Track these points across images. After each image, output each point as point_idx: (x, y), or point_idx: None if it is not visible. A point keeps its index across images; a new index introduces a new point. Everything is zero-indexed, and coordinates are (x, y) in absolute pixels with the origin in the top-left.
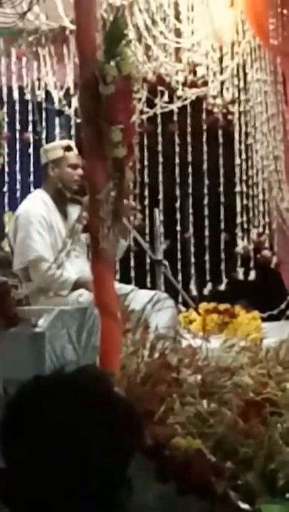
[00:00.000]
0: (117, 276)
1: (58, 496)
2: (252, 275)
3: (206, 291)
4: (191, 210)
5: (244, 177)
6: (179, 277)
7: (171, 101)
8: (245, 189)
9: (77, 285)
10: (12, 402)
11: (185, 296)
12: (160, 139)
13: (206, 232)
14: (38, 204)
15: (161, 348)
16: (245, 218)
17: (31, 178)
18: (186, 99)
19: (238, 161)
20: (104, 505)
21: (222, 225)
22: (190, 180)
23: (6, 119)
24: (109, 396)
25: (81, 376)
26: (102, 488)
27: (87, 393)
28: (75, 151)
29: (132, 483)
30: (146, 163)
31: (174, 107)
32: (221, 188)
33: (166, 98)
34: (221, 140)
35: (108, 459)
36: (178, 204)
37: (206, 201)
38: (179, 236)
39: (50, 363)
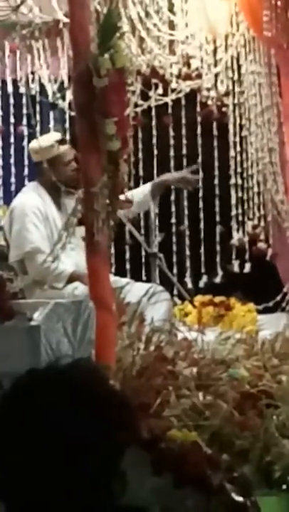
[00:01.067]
0: (113, 269)
1: (52, 489)
2: (247, 267)
3: (201, 283)
4: (185, 203)
5: (239, 169)
6: (174, 270)
7: (165, 93)
8: (240, 181)
9: (72, 278)
10: (7, 395)
11: (180, 289)
12: (154, 131)
13: (201, 225)
14: (33, 196)
15: (157, 340)
16: (240, 211)
17: (26, 171)
18: (180, 92)
19: (232, 153)
20: (99, 497)
21: (217, 218)
22: None
23: (0, 113)
24: (104, 389)
25: (76, 369)
26: (97, 480)
27: (82, 386)
28: (68, 145)
29: (126, 475)
30: (140, 155)
31: (168, 99)
32: (216, 181)
33: (160, 91)
34: (215, 132)
35: (102, 451)
36: (173, 197)
37: (200, 194)
38: (174, 229)
39: (46, 356)
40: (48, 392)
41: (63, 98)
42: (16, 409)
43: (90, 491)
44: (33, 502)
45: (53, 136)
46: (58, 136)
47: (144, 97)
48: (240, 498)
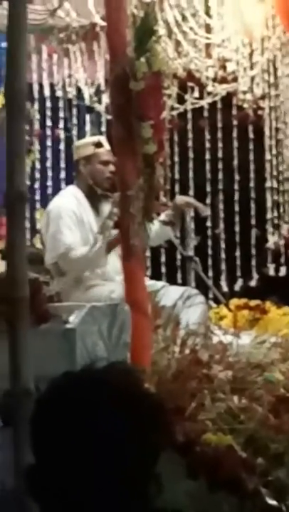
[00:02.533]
0: (148, 273)
1: (87, 491)
2: (282, 271)
3: (236, 287)
4: (221, 206)
5: (274, 172)
6: (210, 273)
7: (201, 97)
8: (275, 185)
9: (111, 245)
10: (42, 397)
11: (216, 292)
12: (190, 134)
13: (237, 228)
14: (69, 200)
15: (192, 344)
16: (275, 214)
17: (62, 174)
18: (216, 95)
19: (268, 156)
20: (133, 500)
21: (252, 221)
22: (220, 176)
23: (37, 116)
24: (139, 392)
25: (111, 372)
26: (132, 483)
27: (117, 389)
28: (107, 147)
29: (161, 478)
30: (176, 159)
31: (204, 102)
32: (252, 184)
33: (196, 94)
34: (251, 136)
35: (138, 454)
36: (208, 200)
37: (236, 197)
38: (209, 232)
39: (81, 359)
40: (83, 394)
41: (100, 101)
42: (51, 412)
43: (125, 493)
44: (68, 504)
45: (92, 138)
46: (97, 138)
47: (180, 100)
48: (275, 502)
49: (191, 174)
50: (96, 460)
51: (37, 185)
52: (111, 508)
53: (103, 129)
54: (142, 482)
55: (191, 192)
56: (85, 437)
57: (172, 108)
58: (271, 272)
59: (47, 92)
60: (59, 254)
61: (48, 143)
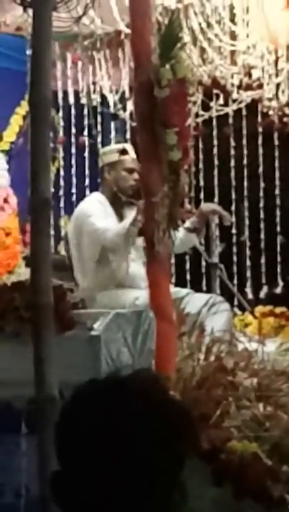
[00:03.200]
0: (173, 280)
1: (112, 498)
2: None
3: (261, 294)
4: (246, 213)
5: None
6: (235, 280)
7: (226, 104)
8: None
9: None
10: (67, 405)
11: (241, 300)
12: (215, 141)
13: (262, 235)
14: (94, 204)
15: (217, 351)
16: None
17: (87, 182)
18: (241, 102)
19: None
20: (158, 507)
21: (278, 228)
22: (245, 183)
23: (62, 123)
24: (164, 399)
25: (136, 379)
26: (157, 491)
27: (142, 396)
28: (132, 155)
29: (186, 486)
30: (201, 166)
31: (230, 109)
32: (277, 191)
33: (221, 101)
34: (276, 142)
35: (162, 462)
36: (233, 207)
37: (261, 204)
38: (234, 239)
39: (106, 366)
40: (108, 402)
41: (124, 109)
42: (76, 419)
43: (150, 501)
44: (92, 510)
45: (117, 145)
46: (122, 146)
47: (205, 107)
48: None
49: (216, 181)
50: (121, 467)
51: (61, 192)
52: None
53: (128, 136)
54: (167, 490)
55: (216, 199)
56: (109, 444)
57: (197, 115)
58: None
59: (71, 100)
60: (101, 247)
61: (73, 150)
